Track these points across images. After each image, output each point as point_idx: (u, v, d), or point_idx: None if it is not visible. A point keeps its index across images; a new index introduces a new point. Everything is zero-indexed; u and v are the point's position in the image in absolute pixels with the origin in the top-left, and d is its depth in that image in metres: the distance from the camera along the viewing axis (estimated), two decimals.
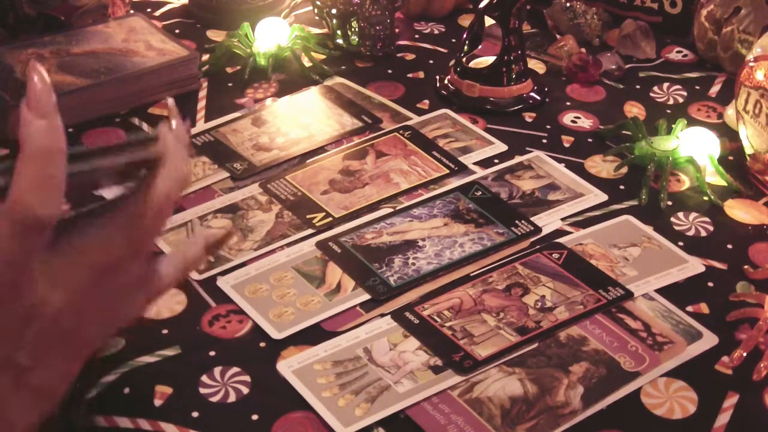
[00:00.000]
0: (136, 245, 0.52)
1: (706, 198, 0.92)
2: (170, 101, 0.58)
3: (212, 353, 0.75)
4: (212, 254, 0.58)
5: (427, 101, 1.06)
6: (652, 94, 1.08)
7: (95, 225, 0.50)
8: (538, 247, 0.85)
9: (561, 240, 0.86)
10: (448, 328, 0.76)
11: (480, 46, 1.08)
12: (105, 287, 0.51)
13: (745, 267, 0.84)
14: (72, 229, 0.50)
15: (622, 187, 0.93)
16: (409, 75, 1.11)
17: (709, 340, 0.76)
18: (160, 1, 1.24)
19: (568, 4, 1.17)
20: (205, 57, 1.10)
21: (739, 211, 0.91)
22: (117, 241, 0.51)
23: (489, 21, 1.07)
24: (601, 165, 0.96)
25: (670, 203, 0.91)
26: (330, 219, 0.88)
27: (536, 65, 1.12)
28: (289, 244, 0.85)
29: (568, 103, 1.06)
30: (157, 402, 0.70)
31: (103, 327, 0.53)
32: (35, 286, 0.48)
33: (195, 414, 0.70)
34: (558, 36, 1.16)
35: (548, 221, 0.88)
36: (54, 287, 0.48)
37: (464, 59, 1.06)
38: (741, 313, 0.79)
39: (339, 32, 1.14)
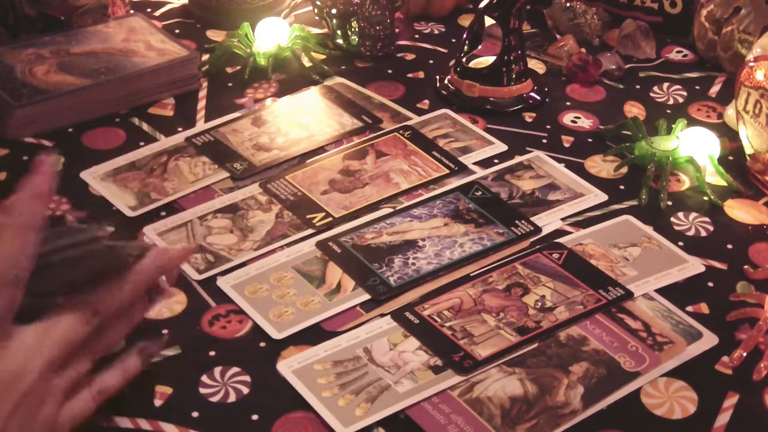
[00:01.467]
0: (97, 333, 0.57)
1: (706, 198, 0.92)
2: (163, 281, 0.62)
3: (212, 353, 0.75)
4: (147, 361, 0.63)
5: (427, 101, 1.06)
6: (652, 94, 1.08)
7: (68, 302, 0.54)
8: (538, 247, 0.85)
9: (561, 240, 0.86)
10: (448, 328, 0.76)
11: (480, 46, 1.08)
12: (67, 371, 0.55)
13: (745, 267, 0.84)
14: (45, 306, 0.53)
15: (622, 187, 0.93)
16: (409, 75, 1.11)
17: (709, 340, 0.76)
18: (160, 1, 1.24)
19: (568, 4, 1.17)
20: (205, 57, 1.10)
21: (739, 211, 0.91)
22: (85, 325, 0.55)
23: (489, 21, 1.07)
24: (601, 165, 0.96)
25: (670, 203, 0.91)
26: (330, 219, 0.88)
27: (536, 65, 1.12)
28: (289, 244, 0.85)
29: (568, 103, 1.06)
30: (157, 402, 0.70)
31: (57, 415, 0.56)
32: (9, 354, 0.51)
33: (195, 414, 0.70)
34: (558, 36, 1.16)
35: (548, 221, 0.88)
36: (26, 362, 0.52)
37: (464, 59, 1.06)
38: (741, 313, 0.79)
39: (339, 32, 1.14)
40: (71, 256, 0.56)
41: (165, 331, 0.76)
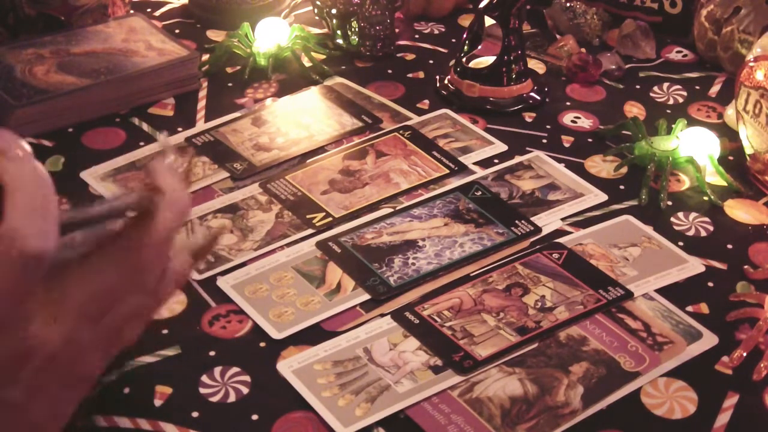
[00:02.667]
0: (134, 279, 0.51)
1: (706, 198, 0.92)
2: (163, 137, 0.57)
3: (212, 353, 0.75)
4: (200, 261, 0.58)
5: (427, 101, 1.06)
6: (652, 94, 1.08)
7: (95, 261, 0.50)
8: (538, 247, 0.85)
9: (561, 240, 0.86)
10: (448, 328, 0.76)
11: (480, 46, 1.08)
12: (103, 321, 0.50)
13: (745, 267, 0.84)
14: (71, 265, 0.49)
15: (622, 187, 0.93)
16: (409, 75, 1.11)
17: (709, 340, 0.76)
18: (160, 1, 1.24)
19: (568, 4, 1.17)
20: (205, 57, 1.10)
21: (739, 211, 0.91)
22: (116, 277, 0.50)
23: (489, 21, 1.07)
24: (601, 165, 0.96)
25: (670, 203, 0.91)
26: (330, 219, 0.88)
27: (536, 65, 1.12)
28: (289, 244, 0.85)
29: (568, 103, 1.06)
30: (157, 402, 0.70)
31: (100, 359, 0.51)
32: (31, 322, 0.47)
33: (195, 414, 0.70)
34: (558, 36, 1.16)
35: (548, 221, 0.88)
36: (50, 324, 0.47)
37: (464, 59, 1.06)
38: (741, 313, 0.79)
39: (339, 32, 1.14)
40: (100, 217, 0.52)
41: (165, 331, 0.76)
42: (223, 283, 0.81)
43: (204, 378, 0.73)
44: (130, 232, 0.50)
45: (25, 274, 0.44)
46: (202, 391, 0.72)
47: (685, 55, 1.16)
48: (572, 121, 1.03)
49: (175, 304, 0.79)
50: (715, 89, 1.09)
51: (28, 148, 0.46)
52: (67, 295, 0.48)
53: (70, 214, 0.48)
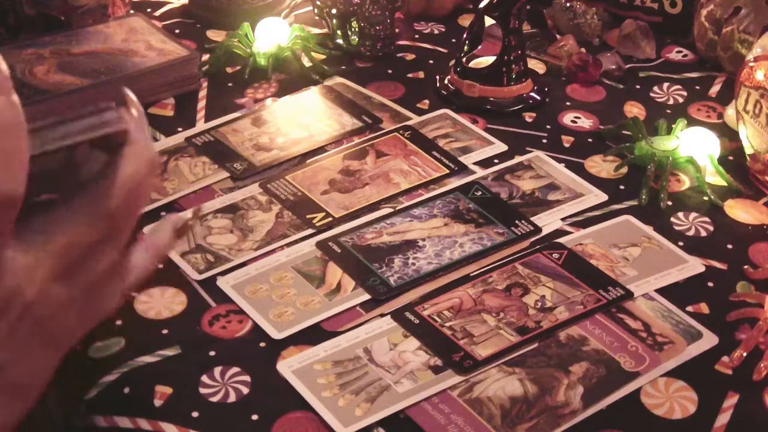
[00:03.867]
0: (106, 230, 0.50)
1: (706, 198, 0.92)
2: (127, 91, 0.56)
3: (212, 353, 0.75)
4: (181, 237, 0.57)
5: (427, 101, 1.06)
6: (652, 94, 1.08)
7: (62, 211, 0.49)
8: (538, 247, 0.85)
9: (561, 240, 0.86)
10: (448, 328, 0.76)
11: (480, 46, 1.08)
12: (77, 277, 0.49)
13: (745, 267, 0.84)
14: (38, 215, 0.48)
15: (622, 187, 0.93)
16: (409, 75, 1.11)
17: (709, 340, 0.76)
18: (160, 1, 1.24)
19: (568, 4, 1.17)
20: (205, 57, 1.10)
21: (739, 211, 0.91)
22: (85, 226, 0.49)
23: (489, 21, 1.07)
24: (601, 165, 0.96)
25: (670, 203, 0.91)
26: (330, 219, 0.88)
27: (536, 65, 1.12)
28: (289, 244, 0.85)
29: (568, 103, 1.06)
30: (157, 402, 0.70)
31: (79, 317, 0.51)
32: (4, 276, 0.46)
33: (195, 414, 0.70)
34: (558, 36, 1.16)
35: (548, 221, 0.88)
36: (23, 278, 0.47)
37: (464, 59, 1.06)
38: (741, 313, 0.79)
39: (339, 32, 1.14)
40: (70, 143, 0.50)
41: (165, 331, 0.76)
42: (223, 283, 0.80)
43: (204, 378, 0.73)
44: (97, 179, 0.49)
45: None
46: (202, 391, 0.72)
47: (685, 55, 1.16)
48: (572, 121, 1.03)
49: (175, 304, 0.79)
50: (715, 89, 1.09)
51: (12, 94, 0.46)
52: (38, 246, 0.48)
53: (42, 132, 0.48)
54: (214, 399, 0.71)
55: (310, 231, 0.86)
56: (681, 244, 0.86)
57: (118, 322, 0.76)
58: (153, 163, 0.52)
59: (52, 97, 0.98)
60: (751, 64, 0.91)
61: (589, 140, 1.00)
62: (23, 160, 0.44)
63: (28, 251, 0.47)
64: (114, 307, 0.53)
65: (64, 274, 0.49)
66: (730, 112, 1.01)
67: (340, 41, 1.14)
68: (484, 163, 0.96)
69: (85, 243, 0.49)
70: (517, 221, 0.87)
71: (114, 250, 0.51)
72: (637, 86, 1.09)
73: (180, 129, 1.00)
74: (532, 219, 0.88)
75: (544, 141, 1.00)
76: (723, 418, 0.71)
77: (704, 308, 0.80)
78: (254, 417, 0.70)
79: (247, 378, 0.73)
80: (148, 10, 1.21)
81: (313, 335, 0.76)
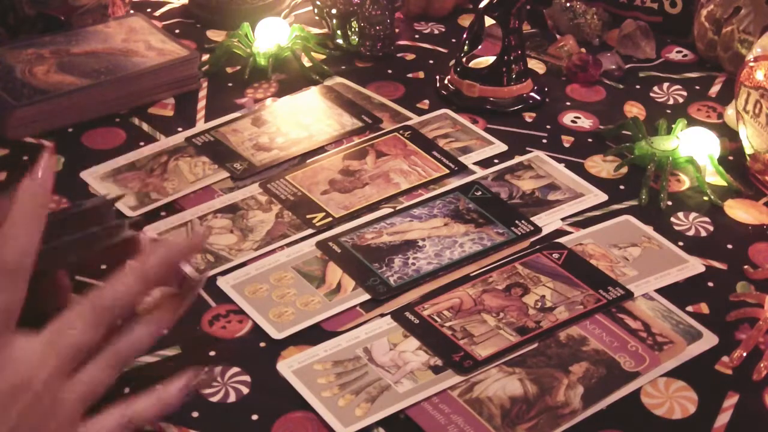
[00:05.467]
0: (103, 335, 0.54)
1: (706, 198, 0.92)
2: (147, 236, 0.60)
3: (212, 353, 0.75)
4: (189, 394, 0.61)
5: (427, 101, 1.06)
6: (652, 94, 1.08)
7: (67, 313, 0.53)
8: (538, 247, 0.85)
9: (561, 240, 0.86)
10: (448, 328, 0.76)
11: (480, 46, 1.08)
12: (77, 377, 0.53)
13: (745, 267, 0.84)
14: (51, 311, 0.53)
15: (622, 187, 0.93)
16: (409, 75, 1.11)
17: (709, 340, 0.76)
18: (160, 1, 1.24)
19: (568, 4, 1.17)
20: (205, 57, 1.10)
21: (739, 211, 0.91)
22: (87, 326, 0.53)
23: (489, 21, 1.07)
24: (601, 165, 0.96)
25: (670, 203, 0.91)
26: (330, 219, 0.88)
27: (536, 65, 1.12)
28: (289, 244, 0.85)
29: (568, 103, 1.06)
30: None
31: (78, 409, 0.54)
32: (18, 363, 0.50)
33: (195, 414, 0.70)
34: (558, 36, 1.16)
35: (548, 221, 0.88)
36: (35, 368, 0.50)
37: (464, 59, 1.06)
38: (741, 313, 0.79)
39: (339, 32, 1.14)
40: (75, 240, 0.54)
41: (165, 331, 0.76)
42: (223, 283, 0.81)
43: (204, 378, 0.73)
44: (100, 288, 0.54)
45: (6, 288, 0.49)
46: (202, 391, 0.72)
47: (685, 55, 1.16)
48: (572, 121, 1.03)
49: None
50: (715, 89, 1.09)
51: (49, 196, 0.51)
52: (47, 342, 0.52)
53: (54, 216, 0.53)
54: (214, 399, 0.71)
55: (310, 231, 0.86)
56: (681, 244, 0.86)
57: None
58: (148, 286, 0.56)
59: (52, 97, 0.98)
60: (751, 64, 0.91)
61: (589, 140, 1.00)
62: (35, 243, 0.50)
63: (39, 343, 0.51)
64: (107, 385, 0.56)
65: (67, 373, 0.51)
66: (730, 112, 1.01)
67: (340, 41, 1.14)
68: (484, 163, 0.96)
69: (86, 342, 0.53)
70: (517, 221, 0.87)
71: (110, 363, 0.55)
72: (637, 86, 1.10)
73: (180, 129, 1.00)
74: (532, 219, 0.88)
75: (544, 141, 1.00)
76: (723, 418, 0.71)
77: (704, 308, 0.80)
78: (254, 417, 0.70)
79: (247, 378, 0.73)
80: (148, 10, 1.21)
81: (313, 335, 0.76)
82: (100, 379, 0.55)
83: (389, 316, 0.78)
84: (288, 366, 0.73)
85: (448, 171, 0.94)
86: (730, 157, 0.97)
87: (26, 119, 0.97)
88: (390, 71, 1.11)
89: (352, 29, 1.12)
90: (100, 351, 0.55)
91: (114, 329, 0.56)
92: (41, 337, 0.52)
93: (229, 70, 1.10)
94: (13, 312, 0.50)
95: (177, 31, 1.17)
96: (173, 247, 0.57)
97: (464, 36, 1.07)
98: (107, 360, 0.55)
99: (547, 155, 0.97)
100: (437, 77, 1.09)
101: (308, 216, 0.88)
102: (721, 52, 1.11)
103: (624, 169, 0.95)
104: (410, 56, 1.14)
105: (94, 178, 0.92)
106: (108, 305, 0.54)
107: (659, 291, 0.81)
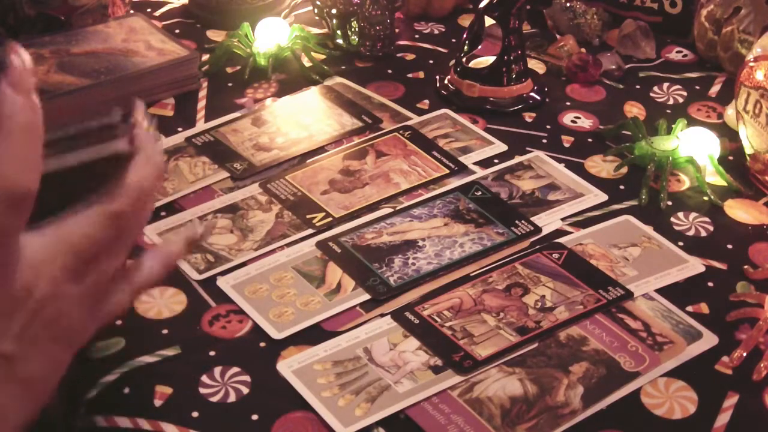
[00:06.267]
0: (116, 231, 0.51)
1: (706, 198, 0.92)
2: (138, 103, 0.58)
3: (212, 353, 0.75)
4: (192, 250, 0.58)
5: (427, 101, 1.06)
6: (652, 94, 1.08)
7: (75, 212, 0.50)
8: (538, 247, 0.85)
9: (561, 240, 0.86)
10: (448, 328, 0.76)
11: (480, 46, 1.08)
12: (87, 276, 0.51)
13: (745, 267, 0.84)
14: (53, 216, 0.50)
15: (622, 187, 0.93)
16: (409, 75, 1.11)
17: (709, 340, 0.76)
18: (160, 1, 1.24)
19: (568, 4, 1.17)
20: (205, 57, 1.10)
21: (739, 211, 0.91)
22: (98, 228, 0.50)
23: (489, 21, 1.07)
24: (601, 165, 0.96)
25: (670, 203, 0.91)
26: (330, 219, 0.88)
27: (536, 65, 1.12)
28: (289, 244, 0.85)
29: (568, 103, 1.06)
30: (157, 402, 0.70)
31: (89, 316, 0.52)
32: (18, 268, 0.47)
33: (195, 414, 0.70)
34: (558, 36, 1.16)
35: (548, 221, 0.88)
36: (37, 274, 0.48)
37: (464, 59, 1.06)
38: (741, 313, 0.79)
39: (339, 32, 1.14)
40: (83, 161, 0.53)
41: (165, 331, 0.76)
42: (223, 283, 0.81)
43: (204, 378, 0.73)
44: (111, 188, 0.51)
45: (9, 214, 0.45)
46: (202, 391, 0.72)
47: (685, 55, 1.16)
48: (572, 121, 1.03)
49: (175, 304, 0.79)
50: (715, 89, 1.09)
51: (34, 96, 0.46)
52: (52, 243, 0.49)
53: (56, 146, 0.50)
54: (214, 399, 0.71)
55: (310, 231, 0.86)
56: (681, 244, 0.86)
57: (118, 322, 0.76)
58: (159, 172, 0.53)
59: (52, 97, 0.98)
60: (751, 64, 0.91)
61: (589, 140, 1.00)
62: (38, 160, 0.46)
63: (42, 248, 0.49)
64: (122, 309, 0.54)
65: (75, 273, 0.50)
66: (730, 112, 1.01)
67: (340, 41, 1.14)
68: (484, 163, 0.96)
69: (96, 242, 0.51)
70: (517, 221, 0.87)
71: (123, 252, 0.53)
72: (637, 86, 1.10)
73: (180, 129, 1.00)
74: (532, 219, 0.88)
75: (544, 141, 1.00)
76: (723, 418, 0.71)
77: (704, 308, 0.80)
78: (254, 417, 0.70)
79: (247, 378, 0.73)
80: (148, 10, 1.21)
81: (313, 335, 0.76)
82: (111, 273, 0.52)
83: (389, 316, 0.78)
84: (288, 366, 0.73)
85: (448, 171, 0.94)
86: (730, 157, 0.97)
87: None
88: (390, 71, 1.11)
89: (352, 29, 1.12)
90: (112, 246, 0.52)
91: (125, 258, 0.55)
92: (48, 238, 0.49)
93: (229, 70, 1.10)
94: (15, 229, 0.47)
95: (177, 31, 1.17)
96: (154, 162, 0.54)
97: (464, 36, 1.07)
98: (119, 252, 0.53)
99: (547, 155, 0.97)
100: (437, 77, 1.09)
101: (308, 216, 0.88)
102: (721, 52, 1.11)
103: (624, 169, 0.95)
104: (410, 56, 1.14)
105: None
106: (124, 204, 0.51)
107: (659, 291, 0.81)
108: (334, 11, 1.13)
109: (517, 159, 0.96)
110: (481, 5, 1.05)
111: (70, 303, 0.50)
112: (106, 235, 0.51)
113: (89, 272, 0.51)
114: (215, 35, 1.17)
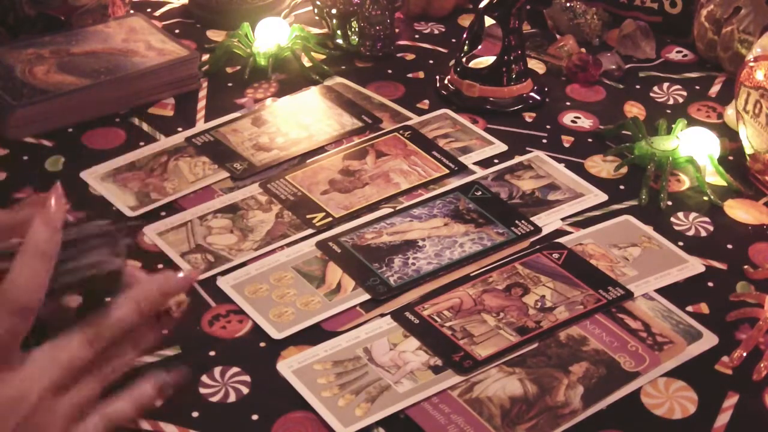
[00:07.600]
0: (97, 354, 0.56)
1: (706, 198, 0.92)
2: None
3: (212, 353, 0.75)
4: (163, 396, 0.62)
5: (427, 101, 1.06)
6: (652, 94, 1.08)
7: (65, 334, 0.55)
8: (538, 247, 0.85)
9: (561, 240, 0.86)
10: (448, 328, 0.76)
11: (480, 46, 1.08)
12: (69, 393, 0.55)
13: (745, 267, 0.84)
14: (49, 333, 0.55)
15: (622, 187, 0.93)
16: (409, 75, 1.11)
17: (709, 340, 0.76)
18: (160, 1, 1.24)
19: (568, 4, 1.17)
20: (205, 57, 1.10)
21: (739, 211, 0.91)
22: (82, 344, 0.55)
23: (489, 21, 1.07)
24: (601, 165, 0.96)
25: (670, 203, 0.91)
26: (330, 219, 0.88)
27: (536, 65, 1.12)
28: (289, 244, 0.85)
29: (568, 103, 1.06)
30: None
31: (69, 418, 0.56)
32: (14, 379, 0.52)
33: (195, 414, 0.70)
34: (558, 36, 1.16)
35: (548, 221, 0.88)
36: (32, 384, 0.53)
37: (464, 59, 1.06)
38: (741, 313, 0.79)
39: (339, 32, 1.14)
40: (81, 277, 0.57)
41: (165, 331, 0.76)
42: (223, 283, 0.81)
43: (204, 378, 0.73)
44: (99, 314, 0.56)
45: (13, 325, 0.52)
46: (202, 391, 0.72)
47: (685, 55, 1.16)
48: (572, 121, 1.03)
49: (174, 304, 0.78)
50: (715, 89, 1.09)
51: (59, 233, 0.54)
52: (44, 361, 0.54)
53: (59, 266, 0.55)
54: (214, 399, 0.71)
55: (310, 231, 0.86)
56: (681, 244, 0.86)
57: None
58: (144, 312, 0.58)
59: (52, 97, 0.98)
60: (751, 64, 0.91)
61: (589, 140, 1.00)
62: (45, 283, 0.53)
63: (35, 361, 0.54)
64: None
65: (61, 388, 0.55)
66: (730, 112, 1.01)
67: (340, 41, 1.14)
68: (484, 163, 0.96)
69: (82, 360, 0.55)
70: (517, 221, 0.87)
71: (97, 382, 0.57)
72: (637, 86, 1.10)
73: (180, 129, 1.00)
74: (532, 219, 0.88)
75: (544, 141, 1.00)
76: (723, 418, 0.71)
77: (704, 308, 0.80)
78: (254, 417, 0.70)
79: (247, 378, 0.73)
80: (148, 10, 1.21)
81: (313, 335, 0.76)
82: (89, 396, 0.57)
83: (389, 316, 0.78)
84: (288, 366, 0.73)
85: (448, 171, 0.94)
86: (730, 157, 0.97)
87: (26, 119, 0.97)
88: (390, 71, 1.11)
89: (352, 29, 1.12)
90: (92, 370, 0.57)
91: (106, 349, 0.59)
92: (41, 354, 0.55)
93: (229, 70, 1.10)
94: (17, 339, 0.53)
95: (177, 31, 1.17)
96: (167, 281, 0.60)
97: (464, 36, 1.07)
98: (97, 379, 0.58)
99: (547, 155, 0.97)
100: (437, 77, 1.09)
101: (308, 216, 0.88)
102: (721, 52, 1.11)
103: (624, 169, 0.95)
104: (410, 56, 1.14)
105: (94, 178, 0.92)
106: (104, 331, 0.57)
107: (659, 291, 0.81)
108: (334, 11, 1.13)
109: (517, 159, 0.96)
110: (481, 5, 1.05)
111: (54, 416, 0.55)
112: (90, 354, 0.56)
113: (73, 391, 0.55)
114: (215, 35, 1.17)
